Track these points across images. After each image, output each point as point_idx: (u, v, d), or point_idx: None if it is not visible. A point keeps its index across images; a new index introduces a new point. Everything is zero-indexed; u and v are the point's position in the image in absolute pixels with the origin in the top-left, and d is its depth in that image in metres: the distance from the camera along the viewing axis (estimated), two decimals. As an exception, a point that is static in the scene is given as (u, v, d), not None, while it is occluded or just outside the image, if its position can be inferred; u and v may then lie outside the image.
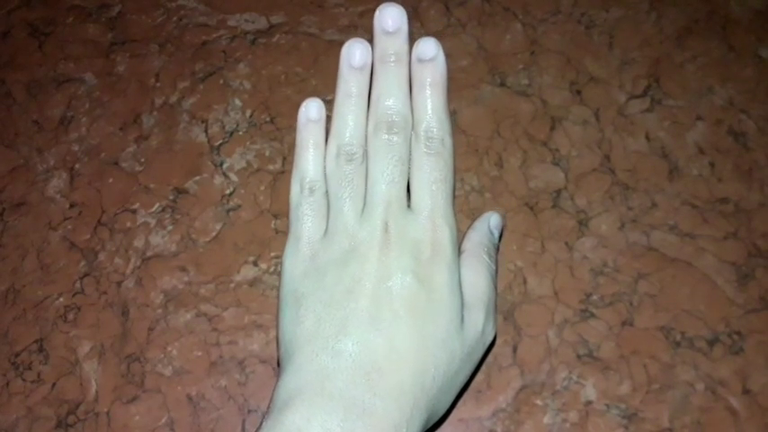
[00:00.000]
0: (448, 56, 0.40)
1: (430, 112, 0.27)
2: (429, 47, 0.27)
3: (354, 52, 0.28)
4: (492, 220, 0.31)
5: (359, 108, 0.28)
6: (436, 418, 0.26)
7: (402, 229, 0.26)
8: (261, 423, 0.24)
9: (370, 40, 0.28)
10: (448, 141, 0.27)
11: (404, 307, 0.25)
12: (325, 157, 0.28)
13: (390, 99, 0.27)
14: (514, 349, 0.33)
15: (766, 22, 0.39)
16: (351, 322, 0.24)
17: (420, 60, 0.27)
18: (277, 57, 0.41)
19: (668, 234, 0.35)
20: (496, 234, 0.31)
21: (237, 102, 0.40)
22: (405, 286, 0.25)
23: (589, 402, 0.32)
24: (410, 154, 0.27)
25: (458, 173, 0.37)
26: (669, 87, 0.38)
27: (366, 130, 0.28)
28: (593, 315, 0.33)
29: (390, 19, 0.27)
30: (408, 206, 0.27)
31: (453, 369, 0.25)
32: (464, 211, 0.36)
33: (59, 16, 0.43)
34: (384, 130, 0.27)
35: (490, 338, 0.28)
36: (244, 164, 0.38)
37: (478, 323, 0.26)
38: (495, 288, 0.29)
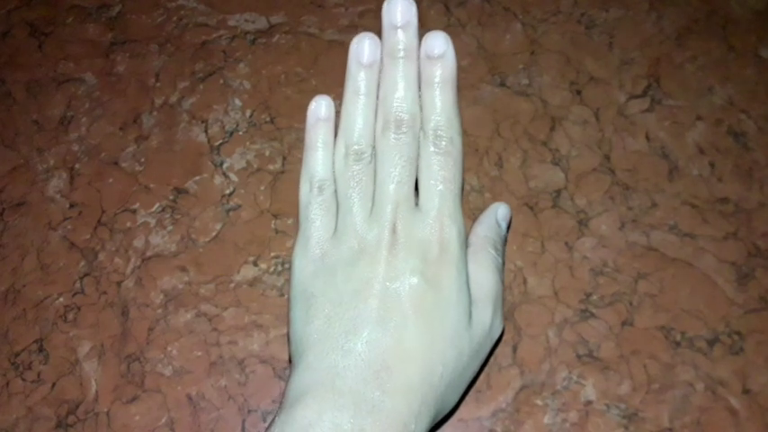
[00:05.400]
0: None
1: (439, 110, 0.27)
2: (438, 42, 0.26)
3: (363, 48, 0.27)
4: (499, 211, 0.30)
5: (367, 106, 0.27)
6: (444, 413, 0.26)
7: (410, 229, 0.26)
8: (273, 418, 0.24)
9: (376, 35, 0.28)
10: (457, 140, 0.27)
11: (412, 307, 0.25)
12: (334, 156, 0.28)
13: (399, 96, 0.27)
14: (514, 349, 0.33)
15: (766, 22, 0.39)
16: (360, 322, 0.25)
17: (429, 57, 0.27)
18: (277, 57, 0.41)
19: (668, 234, 0.35)
20: (504, 225, 0.30)
21: (237, 102, 0.40)
22: (413, 287, 0.25)
23: (589, 402, 0.32)
24: (419, 152, 0.27)
25: (458, 173, 0.37)
26: (669, 87, 0.38)
27: (375, 128, 0.28)
28: (593, 315, 0.33)
29: (399, 12, 0.26)
30: (416, 204, 0.27)
31: (461, 366, 0.25)
32: (464, 211, 0.36)
33: (59, 16, 0.43)
34: (392, 129, 0.26)
35: (498, 333, 0.28)
36: (244, 164, 0.38)
37: (486, 319, 0.27)
38: (503, 282, 0.28)
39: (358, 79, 0.27)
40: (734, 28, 0.39)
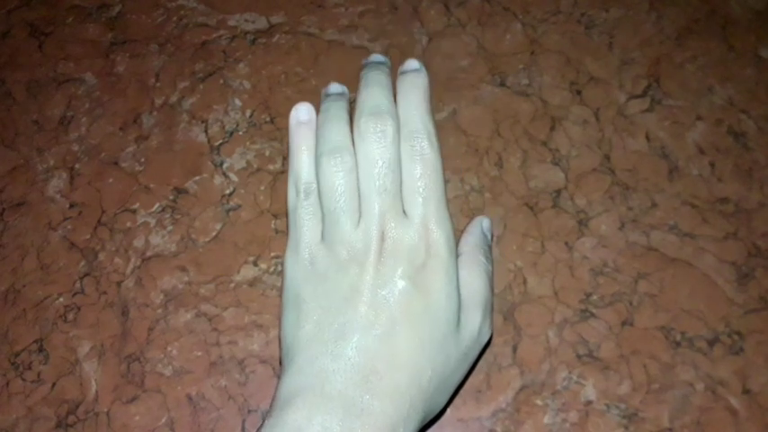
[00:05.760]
0: (448, 56, 0.40)
1: (415, 115, 0.27)
2: (412, 62, 0.29)
3: (331, 85, 0.30)
4: (484, 223, 0.31)
5: (343, 118, 0.28)
6: (433, 416, 0.27)
7: (397, 236, 0.26)
8: (263, 422, 0.24)
9: (368, 49, 0.29)
10: (435, 142, 0.27)
11: (401, 313, 0.25)
12: (316, 161, 0.28)
13: (374, 102, 0.27)
14: (514, 349, 0.33)
15: (766, 22, 0.39)
16: (349, 328, 0.25)
17: (403, 72, 0.28)
18: (277, 57, 0.41)
19: (668, 234, 0.35)
20: (489, 236, 0.31)
21: (237, 102, 0.40)
22: (401, 292, 0.25)
23: (589, 402, 0.32)
24: (399, 156, 0.27)
25: (458, 173, 0.37)
26: (669, 87, 0.38)
27: (354, 136, 0.28)
28: (593, 315, 0.33)
29: (378, 55, 0.31)
30: (403, 210, 0.27)
31: (449, 369, 0.26)
32: (464, 211, 0.36)
33: (59, 16, 0.43)
34: (371, 132, 0.27)
35: (486, 338, 0.28)
36: (244, 164, 0.38)
37: (475, 324, 0.27)
38: (492, 288, 0.29)
39: (328, 101, 0.30)
40: (734, 28, 0.39)
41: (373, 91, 0.28)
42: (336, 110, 0.29)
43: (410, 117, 0.27)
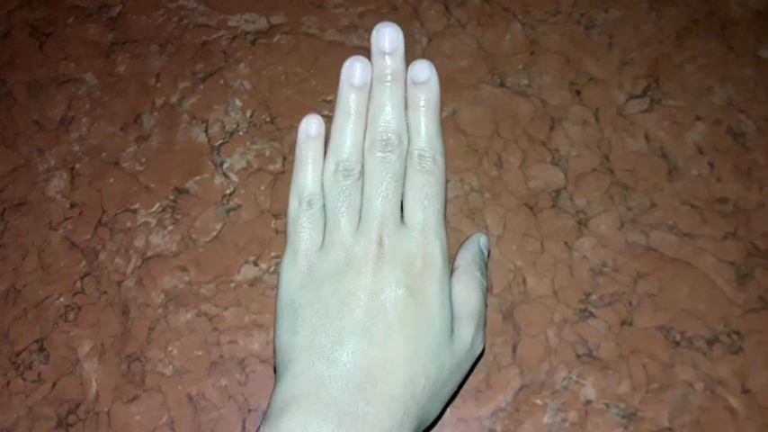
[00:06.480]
0: (448, 56, 0.40)
1: (423, 132, 0.28)
2: (423, 69, 0.28)
3: (355, 71, 0.28)
4: (481, 240, 0.32)
5: (357, 125, 0.29)
6: (426, 425, 0.27)
7: (395, 243, 0.27)
8: (258, 428, 0.24)
9: (368, 49, 0.29)
10: (439, 160, 0.28)
11: (397, 319, 0.25)
12: (323, 172, 0.29)
13: (386, 118, 0.28)
14: (514, 349, 0.33)
15: (766, 22, 0.39)
16: (346, 333, 0.25)
17: (414, 83, 0.28)
18: (277, 57, 0.41)
19: (667, 234, 0.35)
20: (486, 253, 0.32)
21: (238, 102, 0.40)
22: (398, 299, 0.26)
23: (588, 402, 0.32)
24: (405, 170, 0.28)
25: (458, 173, 0.37)
26: (668, 87, 0.38)
27: (363, 146, 0.29)
28: (592, 315, 0.33)
29: (387, 40, 0.28)
30: (402, 220, 0.27)
31: (443, 379, 0.26)
32: (464, 211, 0.36)
33: (60, 16, 0.44)
34: (379, 149, 0.28)
35: (479, 351, 0.28)
36: (244, 164, 0.38)
37: (468, 336, 0.27)
38: (486, 303, 0.30)
39: (349, 100, 0.29)
40: (733, 28, 0.39)
41: (384, 108, 0.28)
42: (356, 117, 0.28)
43: (419, 135, 0.28)
